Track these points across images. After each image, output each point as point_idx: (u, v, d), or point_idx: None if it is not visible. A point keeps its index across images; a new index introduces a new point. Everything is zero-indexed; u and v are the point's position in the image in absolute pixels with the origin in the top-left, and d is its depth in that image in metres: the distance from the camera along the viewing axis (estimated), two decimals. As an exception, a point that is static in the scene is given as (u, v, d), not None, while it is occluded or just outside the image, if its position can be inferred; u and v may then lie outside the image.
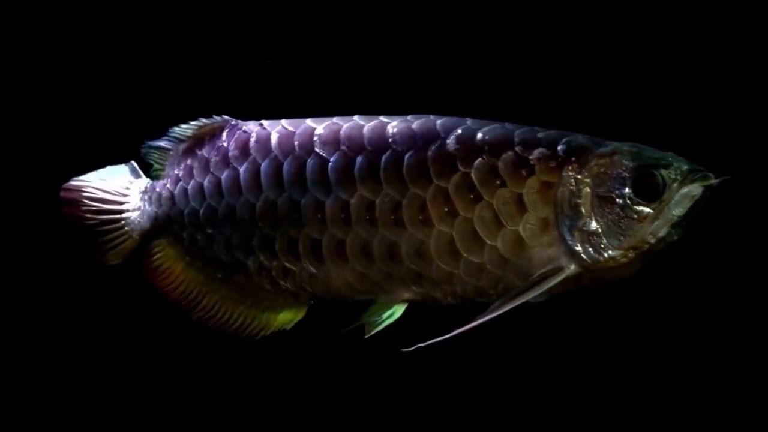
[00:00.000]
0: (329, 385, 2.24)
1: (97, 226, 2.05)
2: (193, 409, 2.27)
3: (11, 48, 2.36)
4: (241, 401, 2.27)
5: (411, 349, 1.75)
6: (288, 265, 1.91)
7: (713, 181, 1.68)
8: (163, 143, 2.06)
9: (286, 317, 1.99)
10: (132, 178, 2.07)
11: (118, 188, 2.06)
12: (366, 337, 1.87)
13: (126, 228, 2.05)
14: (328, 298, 1.92)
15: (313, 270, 1.89)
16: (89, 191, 2.06)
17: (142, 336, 2.29)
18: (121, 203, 2.06)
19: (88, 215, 2.05)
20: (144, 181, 2.07)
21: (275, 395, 2.26)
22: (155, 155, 2.08)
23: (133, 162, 2.08)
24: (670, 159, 1.72)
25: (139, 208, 2.05)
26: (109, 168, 2.09)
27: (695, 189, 1.69)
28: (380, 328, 1.87)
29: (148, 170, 2.10)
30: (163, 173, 2.07)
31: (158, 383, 2.30)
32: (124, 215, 2.05)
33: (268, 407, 2.26)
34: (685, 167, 1.70)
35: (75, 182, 2.06)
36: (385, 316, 1.87)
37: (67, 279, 2.25)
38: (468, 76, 2.29)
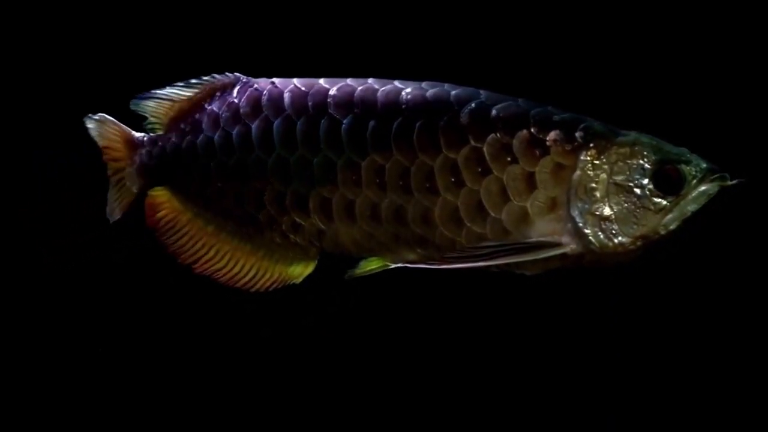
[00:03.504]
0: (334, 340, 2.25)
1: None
2: (193, 364, 2.29)
3: (10, 46, 2.36)
4: (243, 358, 2.28)
5: (394, 266, 1.85)
6: (298, 220, 1.93)
7: (730, 182, 1.72)
8: (163, 97, 2.06)
9: (296, 270, 1.99)
10: (117, 129, 2.07)
11: (111, 140, 2.07)
12: (347, 277, 1.90)
13: (126, 182, 2.06)
14: (336, 254, 1.94)
15: (322, 226, 1.91)
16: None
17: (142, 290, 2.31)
18: (117, 158, 2.07)
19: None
20: (133, 134, 2.07)
21: (279, 352, 2.28)
22: (150, 109, 2.07)
23: (103, 114, 2.07)
24: (689, 156, 1.75)
25: (135, 161, 2.06)
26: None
27: (713, 188, 1.72)
28: (366, 270, 1.89)
29: (141, 123, 2.08)
30: (159, 127, 2.07)
31: (157, 335, 2.31)
32: (125, 169, 2.07)
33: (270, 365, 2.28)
34: (705, 165, 1.73)
35: None
36: (373, 265, 1.90)
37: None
38: (482, 51, 2.32)
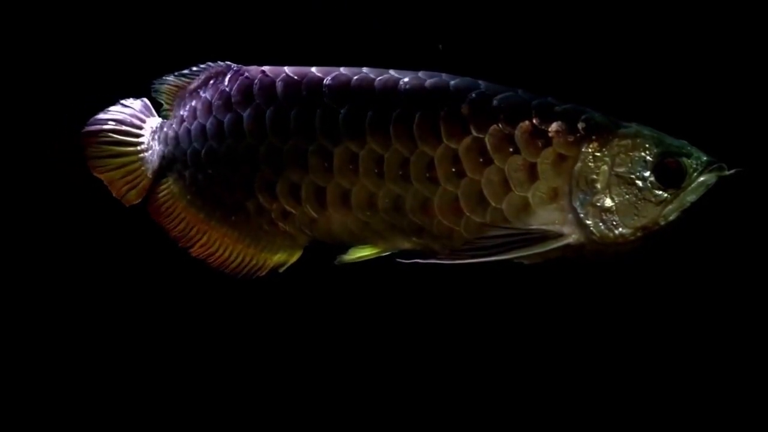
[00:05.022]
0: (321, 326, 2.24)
1: (119, 166, 2.08)
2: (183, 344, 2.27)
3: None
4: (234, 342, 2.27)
5: (407, 261, 1.82)
6: (288, 208, 1.93)
7: (728, 172, 1.76)
8: (170, 84, 2.09)
9: (281, 258, 2.00)
10: (146, 115, 2.11)
11: (134, 126, 2.10)
12: (337, 263, 1.91)
13: (142, 167, 2.08)
14: (327, 242, 1.94)
15: (314, 215, 1.91)
16: (110, 129, 2.08)
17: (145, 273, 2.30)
18: (137, 143, 2.09)
19: (110, 155, 2.08)
20: (156, 120, 2.10)
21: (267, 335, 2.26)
22: (164, 96, 2.11)
23: (146, 99, 2.12)
24: (689, 148, 1.78)
25: (151, 147, 2.08)
26: (124, 103, 2.11)
27: (711, 179, 1.76)
28: (357, 257, 1.91)
29: (159, 109, 2.13)
30: (171, 113, 2.10)
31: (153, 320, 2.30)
32: (140, 154, 2.08)
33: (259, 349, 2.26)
34: (704, 158, 1.77)
35: (96, 123, 2.08)
36: (365, 252, 1.91)
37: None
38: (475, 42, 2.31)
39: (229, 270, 2.01)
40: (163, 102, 2.10)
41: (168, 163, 2.06)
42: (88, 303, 2.30)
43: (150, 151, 2.07)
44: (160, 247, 2.08)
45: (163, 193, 2.06)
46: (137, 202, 2.07)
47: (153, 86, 2.10)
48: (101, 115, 2.09)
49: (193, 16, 2.35)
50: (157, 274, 2.26)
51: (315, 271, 2.00)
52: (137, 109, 2.10)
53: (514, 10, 2.28)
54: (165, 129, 2.07)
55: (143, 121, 2.10)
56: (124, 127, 2.08)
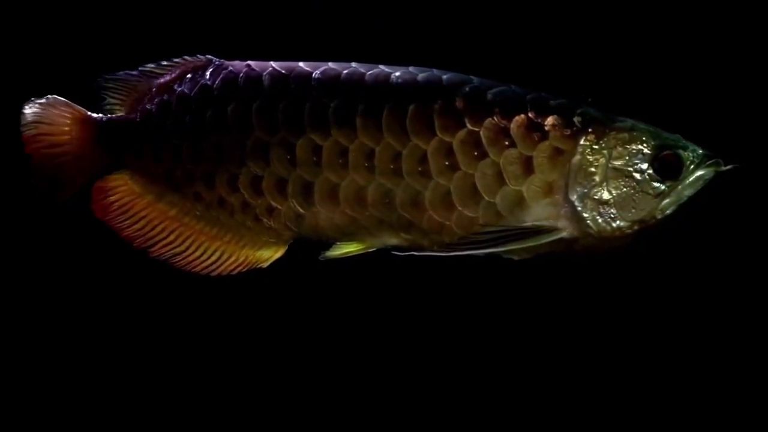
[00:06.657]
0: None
1: (49, 162, 1.99)
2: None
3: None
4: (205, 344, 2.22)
5: (403, 254, 1.81)
6: (274, 203, 1.90)
7: (724, 168, 1.77)
8: (128, 76, 2.02)
9: (265, 254, 1.96)
10: (66, 111, 1.99)
11: (59, 123, 2.00)
12: (320, 258, 1.88)
13: (73, 166, 1.99)
14: (313, 238, 1.91)
15: (301, 210, 1.88)
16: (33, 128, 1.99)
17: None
18: (66, 139, 2.00)
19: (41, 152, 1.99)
20: (87, 114, 2.00)
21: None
22: (113, 89, 2.02)
23: (56, 96, 2.00)
24: (684, 142, 1.79)
25: (90, 143, 1.99)
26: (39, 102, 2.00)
27: (709, 173, 1.77)
28: (343, 253, 1.88)
29: (99, 104, 2.03)
30: (120, 108, 2.02)
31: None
32: (72, 151, 2.00)
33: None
34: (700, 151, 1.78)
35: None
36: (351, 248, 1.89)
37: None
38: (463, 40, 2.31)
39: (199, 269, 1.95)
40: (108, 96, 2.01)
41: (125, 159, 1.98)
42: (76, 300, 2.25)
43: (90, 147, 1.98)
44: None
45: (116, 193, 1.99)
46: (66, 199, 1.99)
47: (100, 80, 2.01)
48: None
49: (196, 17, 2.34)
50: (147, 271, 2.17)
51: (299, 267, 1.97)
52: (55, 105, 1.99)
53: (507, 10, 2.28)
54: (122, 125, 1.99)
55: (66, 116, 1.99)
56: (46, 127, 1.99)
